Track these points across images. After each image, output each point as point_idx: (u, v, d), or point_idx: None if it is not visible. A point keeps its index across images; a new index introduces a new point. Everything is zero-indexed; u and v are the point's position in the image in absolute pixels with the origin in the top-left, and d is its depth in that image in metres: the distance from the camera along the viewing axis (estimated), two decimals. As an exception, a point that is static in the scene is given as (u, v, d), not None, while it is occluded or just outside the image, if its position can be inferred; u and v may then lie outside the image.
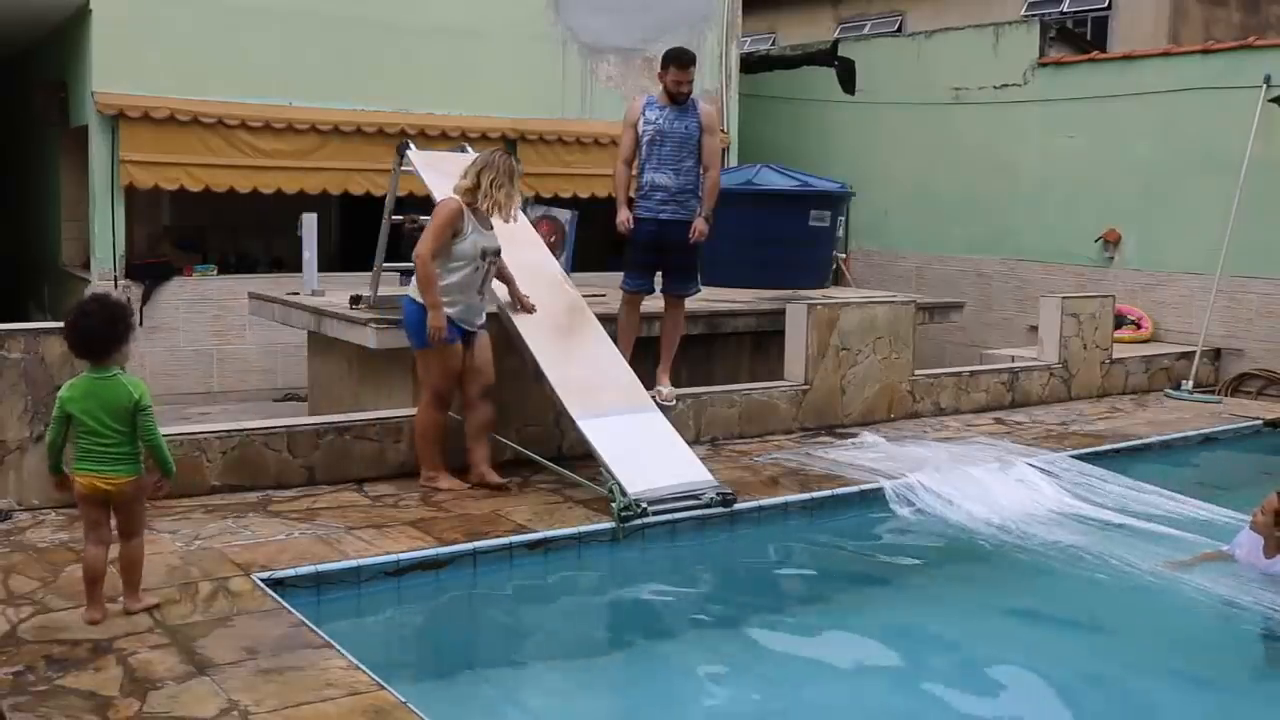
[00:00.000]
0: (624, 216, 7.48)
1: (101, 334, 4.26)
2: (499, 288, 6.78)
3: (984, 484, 6.91)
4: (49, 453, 4.38)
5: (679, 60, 7.37)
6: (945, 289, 12.80)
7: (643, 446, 6.39)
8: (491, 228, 6.44)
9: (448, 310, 6.24)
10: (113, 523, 4.40)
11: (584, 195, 11.84)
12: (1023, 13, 16.07)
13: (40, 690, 3.77)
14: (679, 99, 7.39)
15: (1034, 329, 10.61)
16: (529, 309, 6.81)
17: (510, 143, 11.61)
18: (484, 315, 6.53)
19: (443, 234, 6.24)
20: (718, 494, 6.19)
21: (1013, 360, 10.08)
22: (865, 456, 7.37)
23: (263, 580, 4.82)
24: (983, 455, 7.48)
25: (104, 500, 4.31)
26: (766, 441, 7.87)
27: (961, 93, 13.02)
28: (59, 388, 5.55)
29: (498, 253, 6.46)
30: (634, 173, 7.62)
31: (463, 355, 6.38)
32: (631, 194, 7.64)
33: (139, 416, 4.26)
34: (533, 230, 7.82)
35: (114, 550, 4.44)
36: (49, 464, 4.41)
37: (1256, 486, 6.26)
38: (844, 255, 12.87)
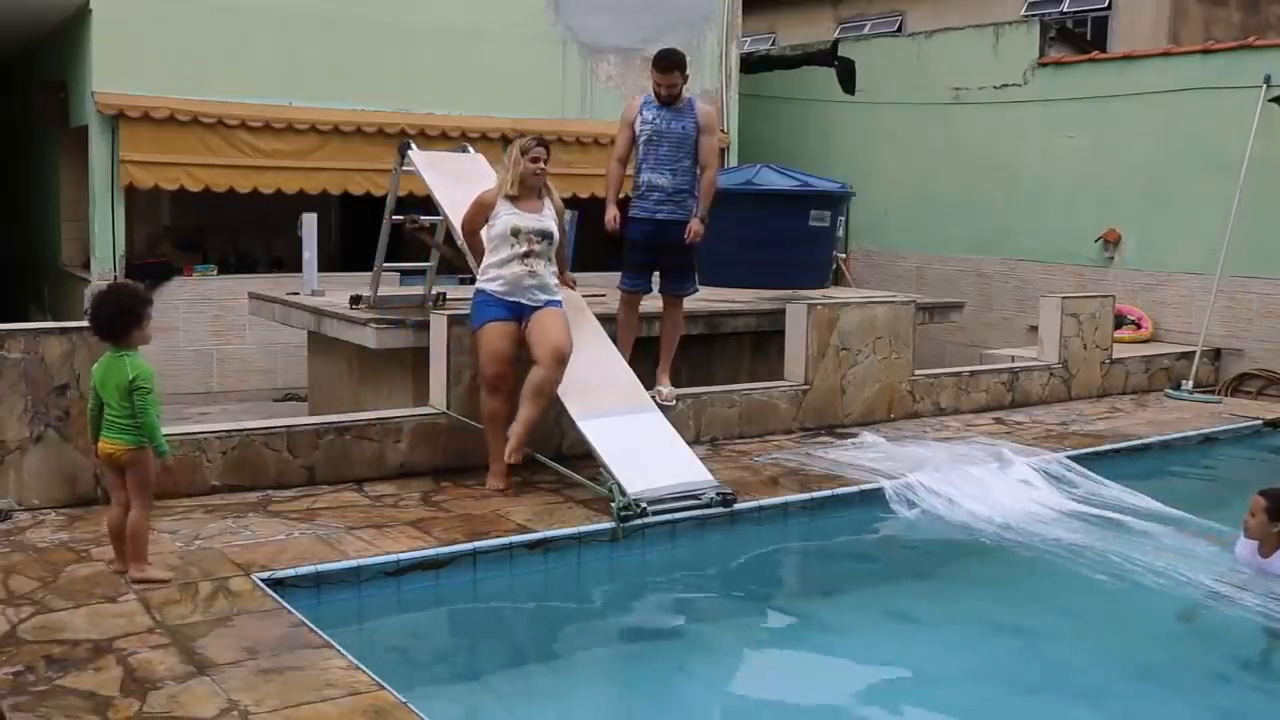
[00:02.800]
0: (612, 214, 7.47)
1: (112, 319, 4.74)
2: None
3: (984, 483, 6.91)
4: (88, 420, 4.89)
5: (660, 63, 7.34)
6: (945, 289, 12.80)
7: (643, 446, 6.38)
8: (541, 210, 6.42)
9: (493, 286, 6.31)
10: None
11: (584, 195, 11.83)
12: (1023, 13, 16.07)
13: (40, 690, 3.77)
14: (665, 101, 7.37)
15: (1034, 329, 10.61)
16: (568, 283, 6.87)
17: (510, 142, 11.56)
18: (542, 293, 6.36)
19: (470, 216, 6.56)
20: (718, 494, 6.19)
21: (1013, 360, 10.07)
22: (865, 456, 7.37)
23: (263, 580, 4.82)
24: (982, 455, 7.48)
25: (117, 466, 4.77)
26: (766, 441, 7.86)
27: (961, 93, 13.02)
28: (59, 387, 5.63)
29: (542, 234, 6.34)
30: (629, 172, 7.62)
31: (517, 334, 6.31)
32: (629, 194, 7.64)
33: (134, 395, 4.66)
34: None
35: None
36: (89, 431, 4.90)
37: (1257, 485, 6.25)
38: (844, 255, 12.88)
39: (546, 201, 6.50)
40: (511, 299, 6.30)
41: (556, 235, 6.46)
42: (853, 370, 8.46)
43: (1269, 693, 4.83)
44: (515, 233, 6.28)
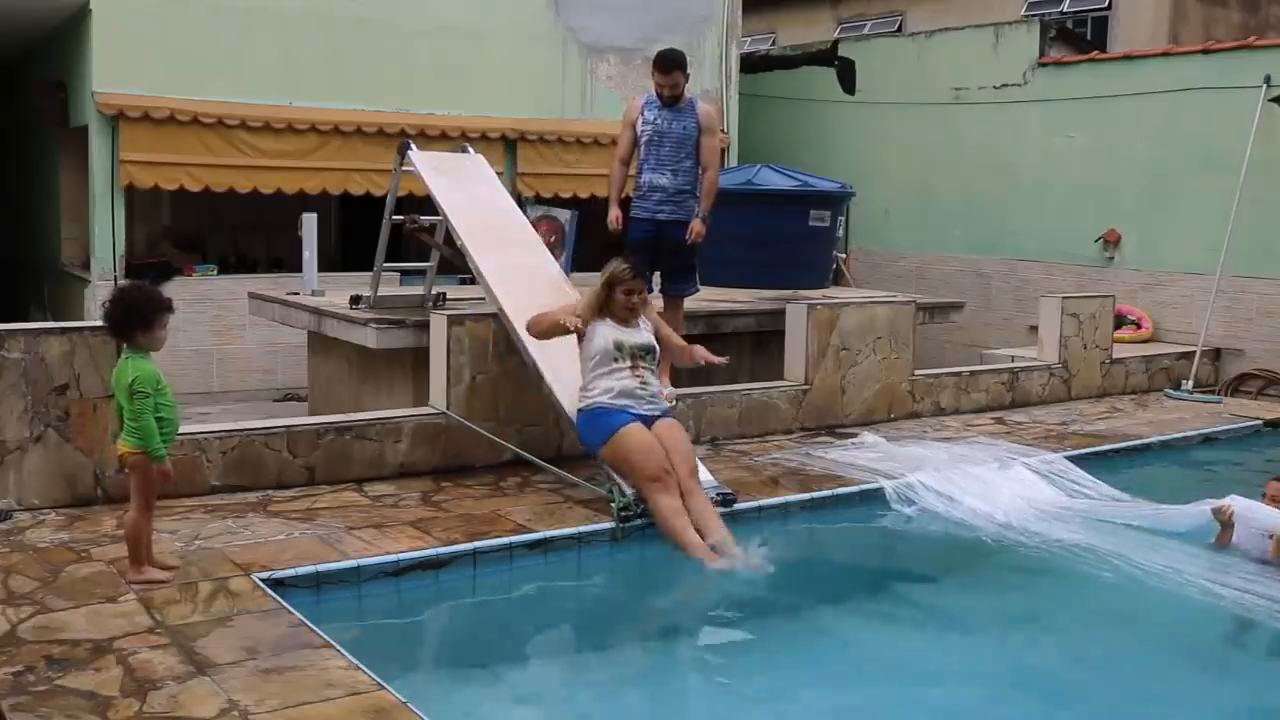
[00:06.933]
0: (614, 215, 7.48)
1: (119, 320, 4.78)
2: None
3: (985, 482, 6.91)
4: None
5: (661, 64, 7.35)
6: (945, 289, 12.80)
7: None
8: (639, 325, 6.10)
9: (606, 399, 5.91)
10: None
11: (584, 195, 11.85)
12: (1023, 13, 16.07)
13: (40, 690, 3.77)
14: (667, 101, 7.38)
15: (1034, 329, 10.61)
16: (709, 360, 6.23)
17: (510, 143, 11.63)
18: (658, 402, 6.02)
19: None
20: (718, 494, 6.17)
21: (1013, 360, 10.07)
22: (865, 456, 7.37)
23: (263, 580, 4.82)
24: (983, 455, 7.47)
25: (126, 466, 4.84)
26: (766, 441, 7.86)
27: (961, 93, 13.02)
28: (59, 387, 5.64)
29: (645, 349, 6.04)
30: (631, 172, 7.62)
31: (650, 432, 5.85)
32: (630, 194, 7.65)
33: (133, 398, 4.68)
34: (532, 230, 7.83)
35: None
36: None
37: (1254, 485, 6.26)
38: (844, 255, 12.88)
39: (642, 317, 6.18)
40: (632, 410, 5.90)
41: (658, 349, 6.15)
42: (853, 370, 8.46)
43: (1271, 691, 4.83)
44: (619, 347, 5.97)
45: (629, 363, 5.96)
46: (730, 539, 5.57)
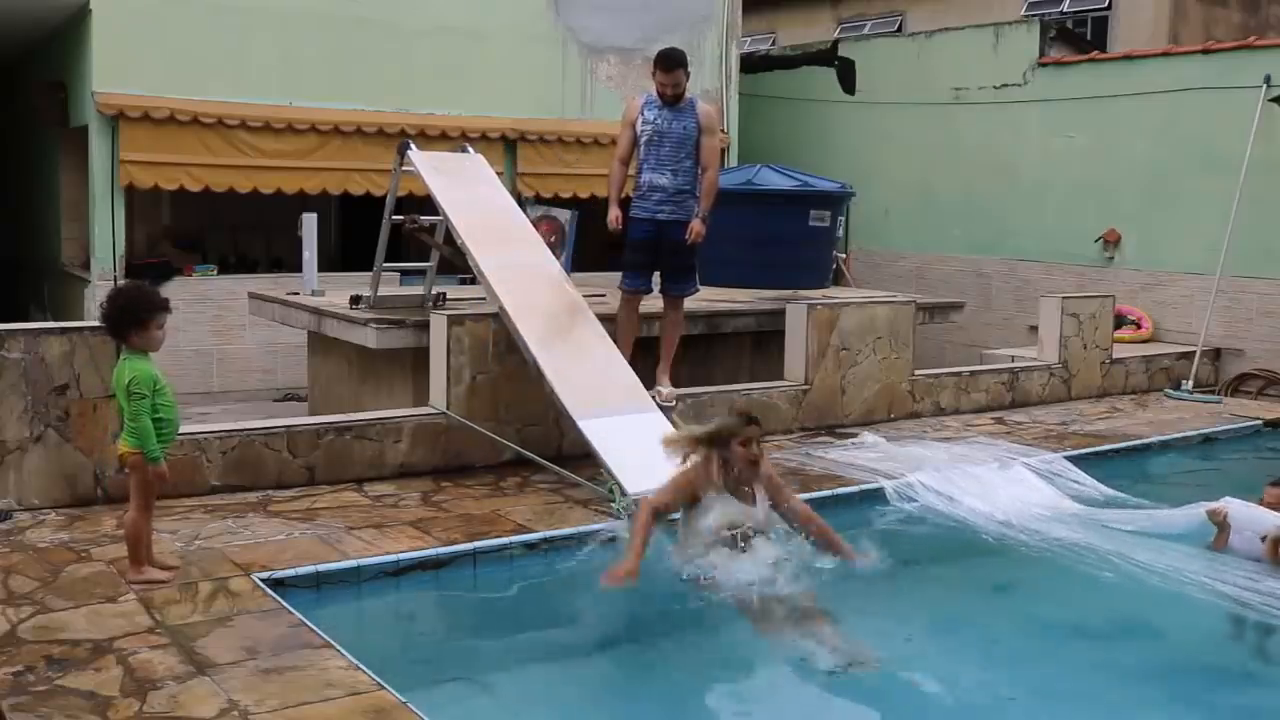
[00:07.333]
0: (614, 215, 7.49)
1: (112, 319, 4.78)
2: None
3: (984, 482, 6.91)
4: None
5: (663, 63, 7.35)
6: (945, 289, 12.80)
7: (643, 446, 6.36)
8: (755, 498, 5.35)
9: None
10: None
11: (584, 195, 11.85)
12: (1023, 13, 16.07)
13: (40, 690, 3.77)
14: (669, 101, 7.38)
15: (1034, 329, 10.61)
16: (849, 555, 5.55)
17: (510, 143, 11.63)
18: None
19: (677, 491, 5.33)
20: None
21: (1013, 360, 10.08)
22: (865, 456, 7.37)
23: (263, 580, 4.82)
24: (983, 455, 7.48)
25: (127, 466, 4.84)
26: (766, 441, 7.78)
27: (961, 93, 13.02)
28: (59, 387, 5.64)
29: (759, 533, 5.30)
30: (631, 172, 7.62)
31: None
32: (630, 193, 7.65)
33: (130, 399, 4.68)
34: (533, 229, 7.83)
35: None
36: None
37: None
38: (844, 255, 12.88)
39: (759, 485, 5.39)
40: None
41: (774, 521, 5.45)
42: (853, 370, 8.46)
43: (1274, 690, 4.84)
44: (732, 528, 5.26)
45: (740, 542, 5.26)
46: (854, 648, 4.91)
